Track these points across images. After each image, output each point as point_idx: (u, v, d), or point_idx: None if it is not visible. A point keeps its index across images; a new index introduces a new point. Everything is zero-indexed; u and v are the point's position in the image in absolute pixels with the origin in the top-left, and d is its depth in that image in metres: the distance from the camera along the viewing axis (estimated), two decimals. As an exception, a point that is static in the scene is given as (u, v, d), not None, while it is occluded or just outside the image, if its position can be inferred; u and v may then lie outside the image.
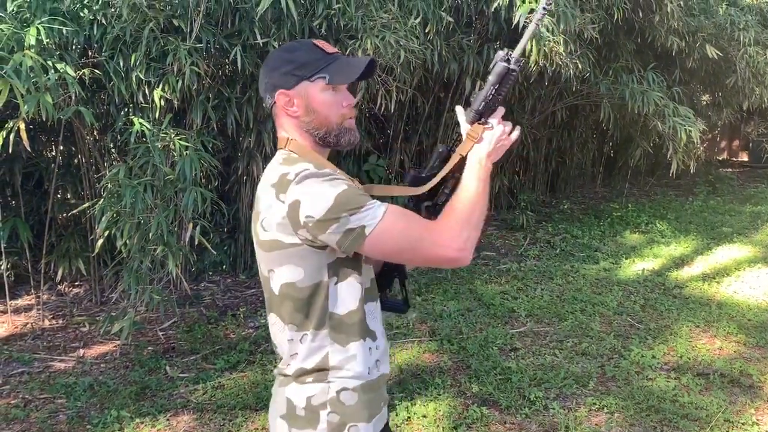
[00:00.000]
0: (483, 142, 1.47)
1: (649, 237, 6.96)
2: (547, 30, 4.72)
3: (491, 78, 1.48)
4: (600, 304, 4.90)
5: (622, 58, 6.91)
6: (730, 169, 12.93)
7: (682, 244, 6.66)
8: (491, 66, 1.49)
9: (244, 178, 5.15)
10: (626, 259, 6.12)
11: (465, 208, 1.37)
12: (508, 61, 1.47)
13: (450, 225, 1.34)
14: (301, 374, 1.40)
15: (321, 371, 1.39)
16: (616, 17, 5.67)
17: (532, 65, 5.08)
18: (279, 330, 1.43)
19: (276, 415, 1.44)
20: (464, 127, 1.51)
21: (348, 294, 1.39)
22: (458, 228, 1.33)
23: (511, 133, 1.51)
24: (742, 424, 3.26)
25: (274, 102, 1.43)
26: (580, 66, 5.47)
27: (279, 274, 1.38)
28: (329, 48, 1.42)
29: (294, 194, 1.30)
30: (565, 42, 4.96)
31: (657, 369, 3.86)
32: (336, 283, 1.38)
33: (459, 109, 1.54)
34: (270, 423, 1.48)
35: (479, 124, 1.49)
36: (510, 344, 4.18)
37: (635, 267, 5.88)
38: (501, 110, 1.51)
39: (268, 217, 1.35)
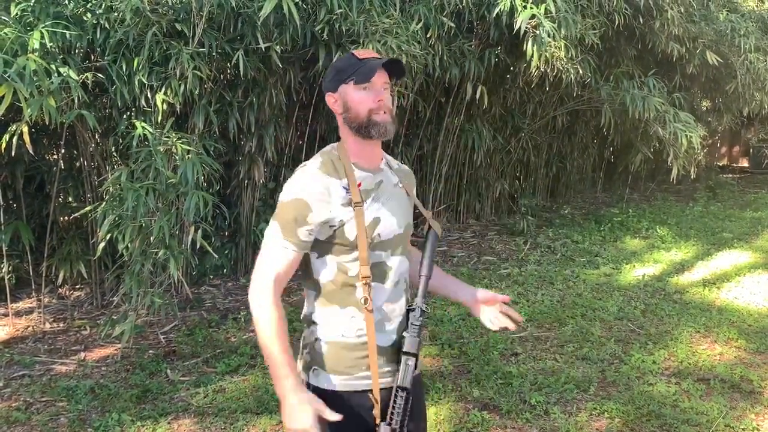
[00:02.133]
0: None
1: (650, 242, 6.97)
2: (549, 35, 4.74)
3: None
4: (600, 309, 4.90)
5: (623, 64, 6.95)
6: (731, 175, 12.95)
7: (682, 250, 6.66)
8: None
9: (246, 182, 5.16)
10: (627, 264, 6.13)
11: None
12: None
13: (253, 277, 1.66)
14: (303, 320, 1.77)
15: (310, 322, 1.73)
16: (617, 23, 5.70)
17: (534, 70, 5.10)
18: None
19: None
20: None
21: (326, 268, 1.68)
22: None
23: None
24: (743, 429, 3.26)
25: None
26: (581, 71, 5.50)
27: None
28: (363, 54, 1.66)
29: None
30: (566, 47, 4.99)
31: (657, 374, 3.86)
32: (317, 258, 1.68)
33: None
34: None
35: None
36: (511, 349, 4.18)
37: (636, 272, 5.88)
38: None
39: None
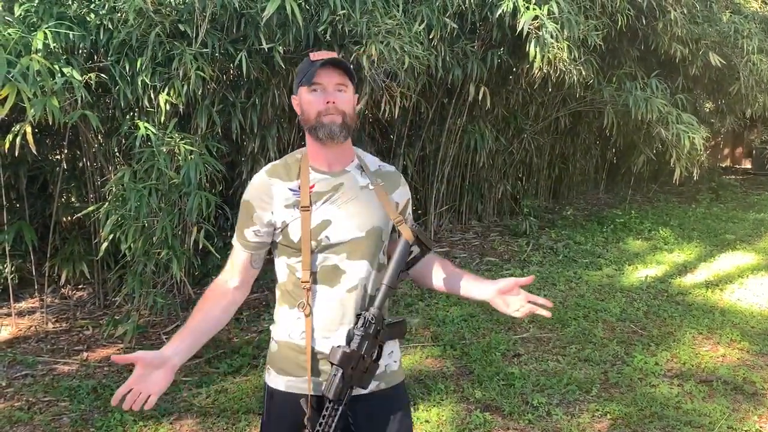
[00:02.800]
0: None
1: (652, 244, 6.96)
2: (551, 36, 4.74)
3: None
4: (603, 311, 4.90)
5: (626, 65, 6.94)
6: (734, 176, 12.93)
7: (685, 251, 6.66)
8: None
9: (248, 182, 5.16)
10: (629, 265, 6.12)
11: None
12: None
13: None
14: None
15: (272, 322, 1.79)
16: (620, 24, 5.69)
17: (536, 71, 5.10)
18: None
19: None
20: None
21: (279, 269, 1.74)
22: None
23: None
24: (746, 431, 3.25)
25: None
26: (583, 72, 5.49)
27: None
28: (316, 56, 1.65)
29: None
30: (569, 48, 4.98)
31: (660, 376, 3.86)
32: (275, 258, 1.76)
33: None
34: None
35: None
36: (513, 350, 4.18)
37: (638, 274, 5.87)
38: None
39: None
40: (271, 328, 1.79)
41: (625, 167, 9.49)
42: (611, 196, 9.89)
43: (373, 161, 1.81)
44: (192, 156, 3.70)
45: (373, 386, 1.70)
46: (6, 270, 4.47)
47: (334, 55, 1.65)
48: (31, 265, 4.55)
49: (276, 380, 1.73)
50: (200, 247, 4.00)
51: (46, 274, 4.57)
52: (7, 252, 4.31)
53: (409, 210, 1.85)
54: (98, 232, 4.07)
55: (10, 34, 3.19)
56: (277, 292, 1.76)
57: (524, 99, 7.05)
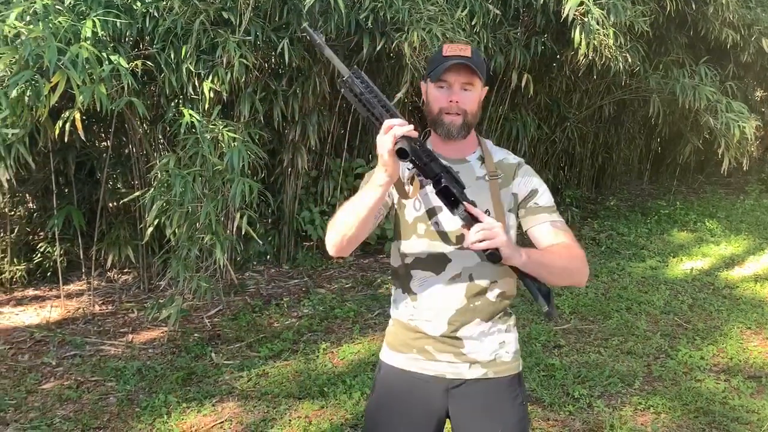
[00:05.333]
0: None
1: (698, 236, 6.79)
2: (597, 23, 4.64)
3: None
4: (646, 303, 4.80)
5: (673, 52, 6.75)
6: (785, 167, 12.49)
7: (732, 244, 6.48)
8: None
9: (289, 170, 5.20)
10: (674, 257, 5.99)
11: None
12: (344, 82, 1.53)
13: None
14: None
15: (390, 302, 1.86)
16: (668, 9, 5.53)
17: (581, 58, 5.00)
18: None
19: None
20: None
21: (393, 254, 1.80)
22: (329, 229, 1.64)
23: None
24: (796, 429, 3.16)
25: None
26: (629, 59, 5.36)
27: None
28: (449, 50, 1.64)
29: None
30: (615, 35, 4.86)
31: (706, 370, 3.77)
32: (393, 240, 1.79)
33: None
34: None
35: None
36: (553, 341, 4.13)
37: (683, 266, 5.74)
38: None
39: None
40: (391, 308, 1.86)
41: (671, 157, 9.25)
42: (655, 186, 9.67)
43: (498, 153, 1.77)
44: (235, 143, 3.73)
45: (479, 373, 1.71)
46: (55, 253, 4.59)
47: (466, 51, 1.63)
48: (78, 249, 4.67)
49: (386, 353, 1.82)
50: (243, 232, 4.04)
51: (93, 258, 4.69)
52: (56, 236, 4.43)
53: (539, 201, 1.71)
54: (143, 217, 4.15)
55: (60, 23, 3.25)
56: (393, 275, 1.82)
57: (568, 86, 6.92)
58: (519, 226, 1.75)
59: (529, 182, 1.73)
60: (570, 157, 8.08)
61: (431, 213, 1.69)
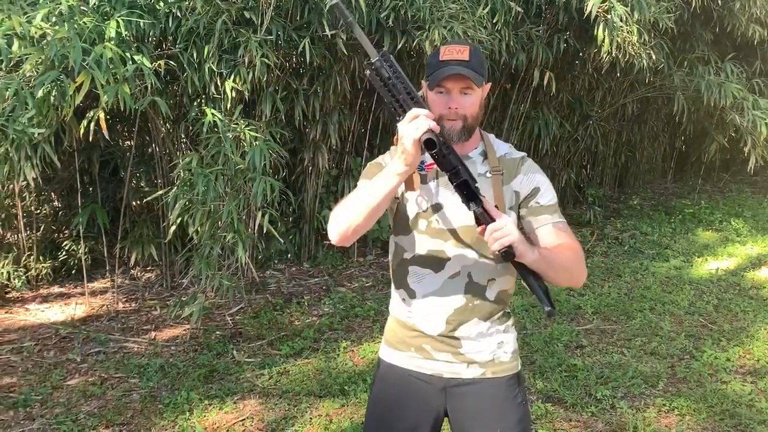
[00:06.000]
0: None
1: (723, 235, 6.68)
2: (621, 20, 4.58)
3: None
4: (670, 303, 4.74)
5: (699, 49, 6.65)
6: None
7: (759, 244, 6.37)
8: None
9: (310, 168, 5.21)
10: (698, 257, 5.90)
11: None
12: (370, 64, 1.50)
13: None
14: None
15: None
16: (693, 5, 5.45)
17: (604, 56, 4.94)
18: None
19: None
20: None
21: (390, 249, 1.79)
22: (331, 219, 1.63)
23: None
24: (825, 432, 3.10)
25: None
26: (653, 57, 5.29)
27: None
28: (445, 55, 1.60)
29: None
30: (639, 32, 4.81)
31: (732, 372, 3.71)
32: (390, 235, 1.79)
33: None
34: None
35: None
36: (576, 341, 4.09)
37: (708, 266, 5.66)
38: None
39: None
40: (390, 306, 1.87)
41: (695, 155, 9.12)
42: (679, 185, 9.54)
43: (501, 148, 1.74)
44: (257, 142, 3.75)
45: (477, 373, 1.71)
46: (80, 251, 4.65)
47: (464, 53, 1.58)
48: (102, 247, 4.73)
49: (384, 350, 1.83)
50: (264, 231, 4.06)
51: (117, 256, 4.74)
52: (81, 234, 4.49)
53: (541, 200, 1.68)
54: (166, 215, 4.19)
55: (85, 23, 3.29)
56: (391, 272, 1.81)
57: (590, 84, 6.85)
58: (519, 225, 1.72)
59: (532, 179, 1.70)
60: (592, 156, 8.00)
61: (434, 209, 1.67)
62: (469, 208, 1.52)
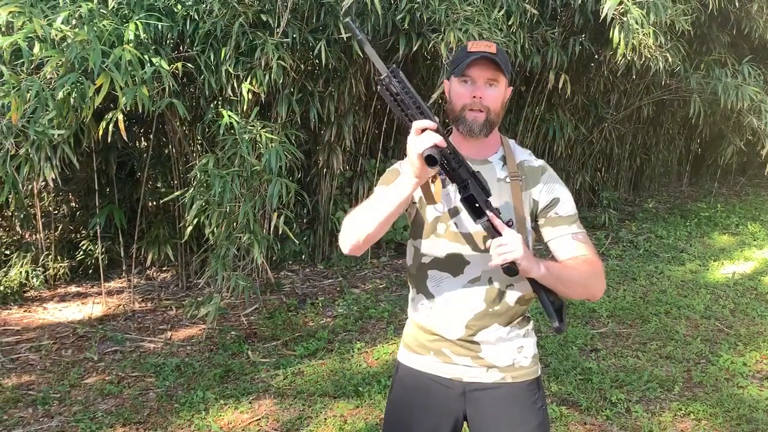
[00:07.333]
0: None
1: (740, 239, 6.63)
2: (636, 22, 4.57)
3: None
4: (686, 307, 4.71)
5: (715, 51, 6.61)
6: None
7: (776, 248, 6.32)
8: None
9: (324, 170, 5.23)
10: (714, 261, 5.86)
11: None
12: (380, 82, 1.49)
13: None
14: None
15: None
16: (710, 7, 5.42)
17: (620, 58, 4.93)
18: None
19: None
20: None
21: (409, 252, 1.78)
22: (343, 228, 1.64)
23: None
24: (843, 439, 3.07)
25: None
26: (669, 59, 5.27)
27: None
28: (473, 47, 1.61)
29: None
30: (655, 34, 4.79)
31: (748, 377, 3.69)
32: (409, 240, 1.78)
33: None
34: None
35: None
36: (590, 345, 4.08)
37: (724, 270, 5.62)
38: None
39: None
40: (409, 310, 1.86)
41: (711, 159, 9.05)
42: (695, 188, 9.47)
43: (521, 153, 1.74)
44: (273, 144, 3.78)
45: (497, 378, 1.70)
46: (97, 251, 4.70)
47: (491, 47, 1.60)
48: (119, 247, 4.77)
49: (403, 354, 1.83)
50: (279, 232, 4.08)
51: (134, 256, 4.79)
52: (98, 234, 4.54)
53: (560, 210, 1.68)
54: (183, 216, 4.22)
55: (104, 26, 3.33)
56: (409, 275, 1.81)
57: (606, 87, 6.83)
58: (536, 234, 1.73)
59: (552, 190, 1.69)
60: (607, 159, 7.97)
61: (452, 213, 1.67)
62: (475, 221, 1.54)
